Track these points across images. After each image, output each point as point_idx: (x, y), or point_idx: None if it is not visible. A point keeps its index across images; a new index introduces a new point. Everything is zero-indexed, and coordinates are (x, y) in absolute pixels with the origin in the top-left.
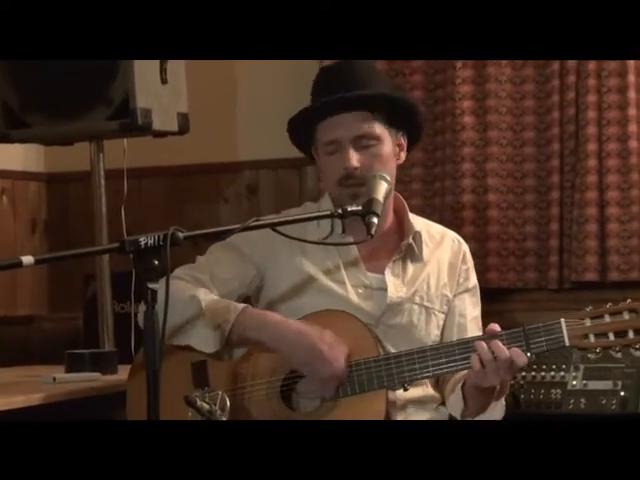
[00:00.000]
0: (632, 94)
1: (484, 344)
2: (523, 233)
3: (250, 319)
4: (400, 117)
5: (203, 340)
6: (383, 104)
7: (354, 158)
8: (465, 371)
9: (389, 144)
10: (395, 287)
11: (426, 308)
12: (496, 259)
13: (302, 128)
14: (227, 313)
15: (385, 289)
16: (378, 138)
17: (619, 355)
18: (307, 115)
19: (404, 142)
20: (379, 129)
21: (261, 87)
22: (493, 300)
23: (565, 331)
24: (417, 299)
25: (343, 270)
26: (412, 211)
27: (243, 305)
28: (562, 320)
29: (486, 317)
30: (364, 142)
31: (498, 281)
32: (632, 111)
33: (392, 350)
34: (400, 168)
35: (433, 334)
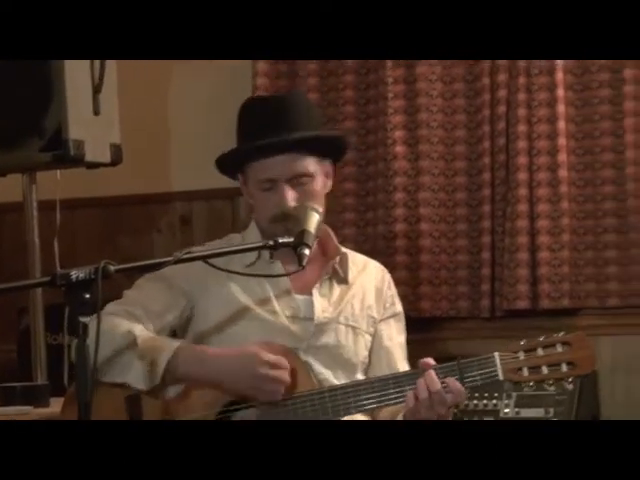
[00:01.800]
0: (561, 124)
1: (422, 381)
2: (455, 262)
3: (188, 354)
4: (331, 152)
5: (140, 378)
6: (318, 144)
7: (290, 197)
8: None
9: (321, 178)
10: (322, 307)
11: (352, 328)
12: (428, 288)
13: (232, 166)
14: (163, 350)
15: (313, 310)
16: (312, 175)
17: (552, 389)
18: (239, 155)
19: (331, 170)
20: (313, 167)
21: (194, 118)
22: (426, 329)
23: (499, 365)
24: (342, 319)
25: (272, 296)
26: (345, 241)
27: (179, 341)
28: (496, 354)
29: (419, 346)
30: (299, 180)
31: (431, 310)
32: (562, 140)
33: (324, 372)
34: (332, 198)
35: (362, 355)
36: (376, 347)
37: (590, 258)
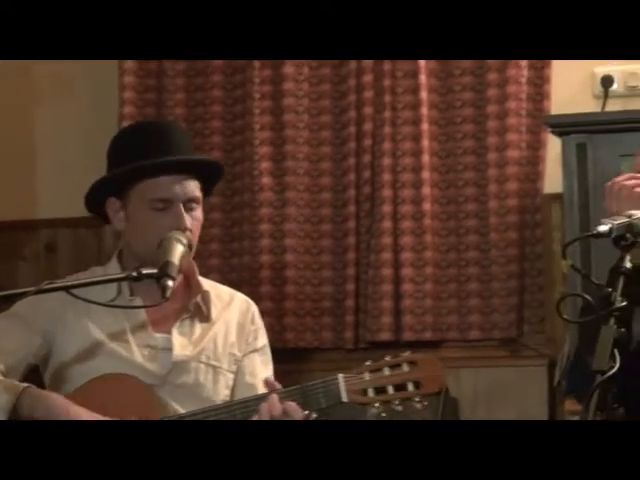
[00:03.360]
0: (425, 157)
1: (265, 405)
2: (320, 293)
3: (31, 400)
4: (210, 186)
5: None
6: (206, 171)
7: (188, 220)
8: None
9: (201, 208)
10: (181, 346)
11: (213, 367)
12: (293, 319)
13: (112, 189)
14: (7, 394)
15: (171, 349)
16: (199, 202)
17: (400, 408)
18: (133, 173)
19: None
20: (199, 193)
21: (60, 145)
22: (290, 360)
23: (342, 387)
24: (203, 358)
25: (129, 332)
26: (211, 271)
27: (24, 385)
28: (340, 376)
29: (283, 377)
30: (190, 205)
31: (295, 341)
32: (425, 174)
33: (180, 410)
34: None
35: (222, 394)
36: (239, 384)
37: (452, 291)
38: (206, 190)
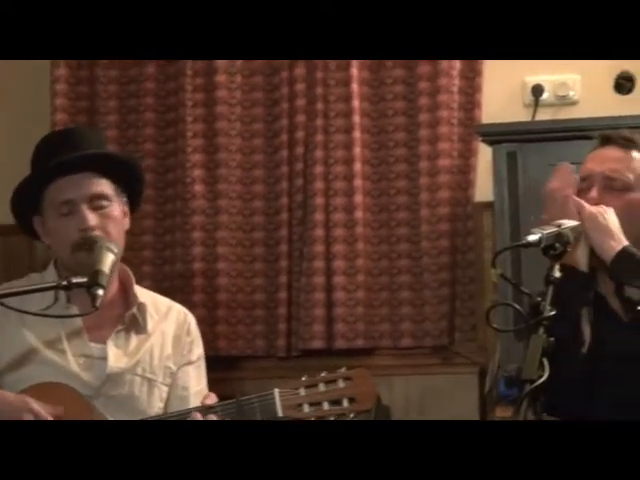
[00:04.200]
0: (358, 166)
1: (199, 415)
2: (252, 301)
3: None
4: (125, 182)
5: None
6: (114, 165)
7: (91, 218)
8: None
9: (118, 207)
10: (116, 357)
11: (148, 380)
12: (225, 327)
13: (30, 193)
14: None
15: (106, 359)
16: (110, 199)
17: None
18: (38, 177)
19: (127, 210)
20: (110, 189)
21: None
22: (223, 368)
23: (278, 402)
24: (139, 370)
25: (65, 340)
26: (143, 279)
27: None
28: (275, 390)
29: (216, 385)
30: (98, 202)
31: (227, 349)
32: (357, 182)
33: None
34: (130, 235)
35: (156, 406)
36: (172, 397)
37: (384, 299)
38: (129, 190)
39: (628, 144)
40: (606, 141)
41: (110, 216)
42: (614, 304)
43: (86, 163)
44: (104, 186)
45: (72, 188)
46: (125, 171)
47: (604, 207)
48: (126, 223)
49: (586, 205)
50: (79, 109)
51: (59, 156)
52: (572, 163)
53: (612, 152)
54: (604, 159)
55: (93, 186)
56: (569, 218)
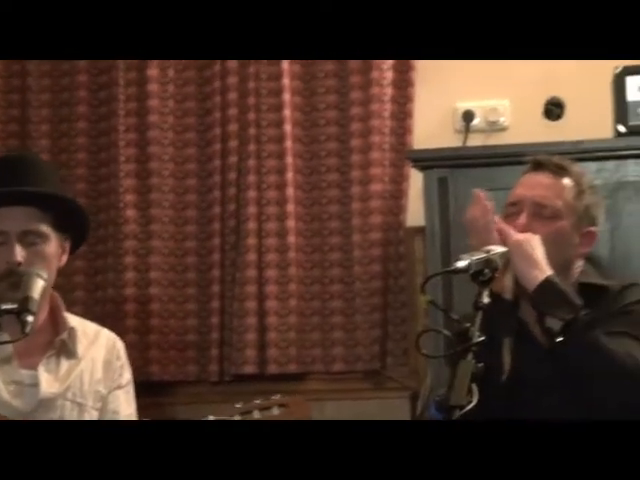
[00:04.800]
0: (290, 190)
1: None
2: (184, 326)
3: None
4: (67, 221)
5: None
6: (55, 204)
7: (19, 253)
8: None
9: (54, 245)
10: (48, 383)
11: (79, 404)
12: (157, 352)
13: None
14: None
15: (37, 385)
16: (45, 237)
17: None
18: None
19: (67, 247)
20: (47, 229)
21: None
22: (155, 393)
23: None
24: (70, 395)
25: None
26: (75, 304)
27: None
28: (210, 418)
29: (148, 410)
30: (31, 238)
31: (160, 374)
32: (290, 207)
33: None
34: None
35: None
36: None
37: (316, 323)
38: (71, 229)
39: (559, 171)
40: (538, 166)
41: (40, 254)
42: (535, 331)
43: (30, 198)
44: (41, 223)
45: (8, 220)
46: (67, 211)
47: (531, 234)
48: (62, 260)
49: (512, 232)
50: (10, 133)
51: (5, 184)
52: (502, 189)
53: (543, 178)
54: (534, 185)
55: (29, 222)
56: (492, 244)
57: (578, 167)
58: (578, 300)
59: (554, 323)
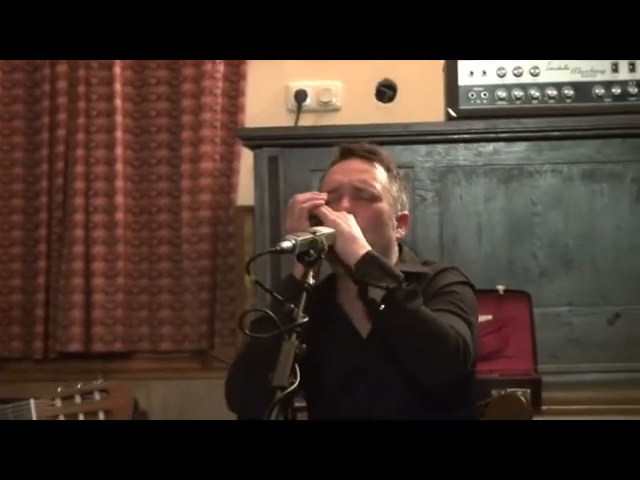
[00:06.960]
0: (119, 166)
1: None
2: (9, 302)
3: None
4: None
5: None
6: None
7: None
8: None
9: None
10: None
11: None
12: None
13: None
14: None
15: None
16: None
17: None
18: None
19: None
20: None
21: None
22: None
23: (34, 412)
24: None
25: None
26: None
27: None
28: (31, 401)
29: None
30: None
31: None
32: (119, 183)
33: None
34: None
35: None
36: None
37: (144, 302)
38: None
39: (370, 156)
40: (349, 153)
41: None
42: (355, 319)
43: None
44: None
45: None
46: None
47: (345, 213)
48: None
49: (328, 212)
50: None
51: None
52: None
53: (356, 164)
54: (349, 171)
55: None
56: (301, 231)
57: (387, 152)
58: (399, 272)
59: (376, 293)
